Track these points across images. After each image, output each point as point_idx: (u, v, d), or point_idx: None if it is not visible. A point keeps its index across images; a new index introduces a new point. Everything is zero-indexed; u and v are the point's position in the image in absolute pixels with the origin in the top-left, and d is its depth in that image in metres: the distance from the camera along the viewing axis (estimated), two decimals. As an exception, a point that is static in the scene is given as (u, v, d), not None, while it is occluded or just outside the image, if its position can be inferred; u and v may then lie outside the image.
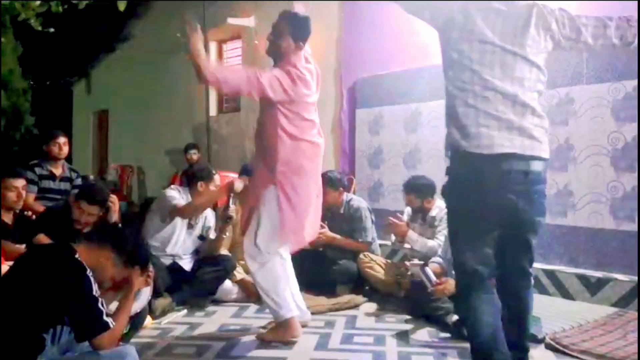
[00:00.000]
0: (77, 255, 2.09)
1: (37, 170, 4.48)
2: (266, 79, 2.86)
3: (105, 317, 2.03)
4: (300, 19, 3.05)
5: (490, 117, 2.17)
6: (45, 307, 1.97)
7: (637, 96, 3.69)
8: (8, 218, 3.51)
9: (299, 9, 3.17)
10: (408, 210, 4.15)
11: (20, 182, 3.54)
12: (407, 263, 3.89)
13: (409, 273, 3.73)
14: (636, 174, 3.69)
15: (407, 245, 4.01)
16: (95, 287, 2.05)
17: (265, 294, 3.09)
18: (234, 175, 5.71)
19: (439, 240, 3.82)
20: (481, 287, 2.27)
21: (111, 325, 2.04)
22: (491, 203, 2.20)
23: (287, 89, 2.91)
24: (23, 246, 3.36)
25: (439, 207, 3.87)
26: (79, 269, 2.04)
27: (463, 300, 2.37)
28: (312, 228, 3.17)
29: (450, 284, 3.32)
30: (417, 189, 3.95)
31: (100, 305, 2.03)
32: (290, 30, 3.00)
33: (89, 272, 2.06)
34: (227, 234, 4.19)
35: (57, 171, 4.60)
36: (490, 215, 2.22)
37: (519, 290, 2.40)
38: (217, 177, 4.06)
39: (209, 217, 4.16)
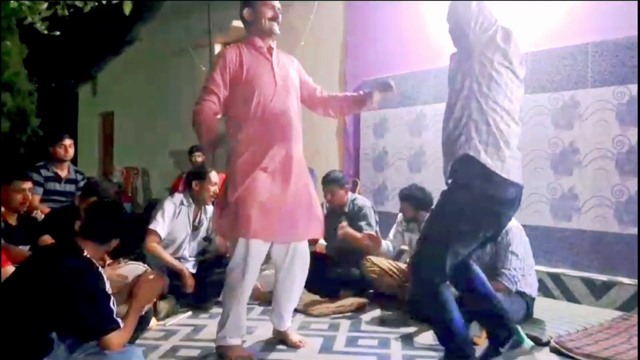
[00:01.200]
0: (85, 253, 2.09)
1: (43, 172, 4.50)
2: None
3: (115, 316, 2.03)
4: None
5: (510, 145, 2.37)
6: (53, 306, 1.97)
7: (637, 100, 3.69)
8: (12, 219, 3.51)
9: None
10: (401, 217, 4.14)
11: (27, 184, 3.54)
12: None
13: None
14: (641, 178, 3.69)
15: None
16: (107, 284, 2.05)
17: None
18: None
19: None
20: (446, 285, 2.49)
21: (121, 325, 2.04)
22: (497, 219, 2.47)
23: None
24: (27, 248, 3.38)
25: None
26: (88, 266, 2.05)
27: (433, 295, 2.47)
28: None
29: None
30: (412, 199, 3.91)
31: (111, 303, 2.03)
32: None
33: (101, 269, 2.06)
34: None
35: (63, 173, 4.62)
36: (490, 227, 2.47)
37: (486, 289, 2.61)
38: (213, 175, 4.01)
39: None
